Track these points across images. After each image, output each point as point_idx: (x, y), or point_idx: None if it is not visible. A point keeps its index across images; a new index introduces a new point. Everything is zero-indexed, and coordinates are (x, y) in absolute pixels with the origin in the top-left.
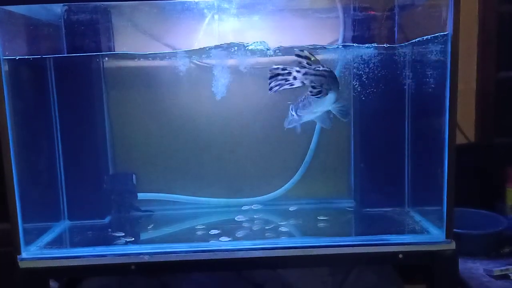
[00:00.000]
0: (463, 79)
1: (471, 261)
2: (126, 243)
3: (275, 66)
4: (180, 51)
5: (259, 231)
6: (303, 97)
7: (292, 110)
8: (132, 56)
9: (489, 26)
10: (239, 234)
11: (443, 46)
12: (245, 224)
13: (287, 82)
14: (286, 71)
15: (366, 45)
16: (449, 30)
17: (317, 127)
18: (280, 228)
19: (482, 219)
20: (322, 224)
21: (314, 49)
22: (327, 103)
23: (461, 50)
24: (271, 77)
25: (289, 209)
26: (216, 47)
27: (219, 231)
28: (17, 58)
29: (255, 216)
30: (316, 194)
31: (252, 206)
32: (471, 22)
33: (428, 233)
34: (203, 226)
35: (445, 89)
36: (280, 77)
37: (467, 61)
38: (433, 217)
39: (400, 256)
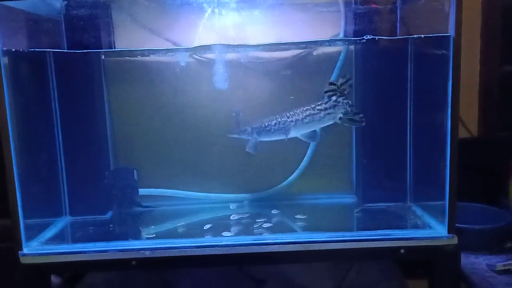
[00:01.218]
0: (466, 73)
1: (474, 256)
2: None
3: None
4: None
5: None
6: (273, 122)
7: (254, 132)
8: (132, 52)
9: (493, 20)
10: (242, 229)
11: (446, 40)
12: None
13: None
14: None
15: (367, 38)
16: (451, 26)
17: None
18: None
19: (485, 214)
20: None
21: (315, 43)
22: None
23: (464, 44)
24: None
25: (272, 212)
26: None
27: (210, 225)
28: (13, 50)
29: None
30: (317, 189)
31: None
32: (474, 16)
33: (430, 228)
34: (204, 222)
35: (447, 83)
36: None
37: (470, 55)
38: (435, 212)
39: (402, 251)
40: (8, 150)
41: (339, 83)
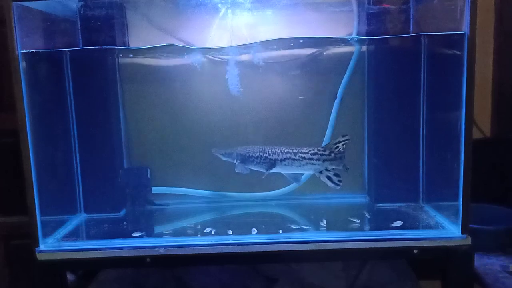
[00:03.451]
0: (480, 74)
1: (487, 257)
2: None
3: None
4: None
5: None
6: (260, 157)
7: (237, 159)
8: (147, 52)
9: (507, 20)
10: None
11: (460, 39)
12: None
13: None
14: None
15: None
16: (465, 24)
17: (330, 121)
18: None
19: (498, 214)
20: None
21: (328, 40)
22: None
23: (478, 44)
24: None
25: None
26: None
27: (221, 224)
28: (30, 52)
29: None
30: (329, 189)
31: None
32: (488, 16)
33: (443, 229)
34: (216, 220)
35: (461, 83)
36: None
37: (483, 56)
38: (449, 212)
39: (415, 251)
40: (26, 149)
41: (338, 140)
